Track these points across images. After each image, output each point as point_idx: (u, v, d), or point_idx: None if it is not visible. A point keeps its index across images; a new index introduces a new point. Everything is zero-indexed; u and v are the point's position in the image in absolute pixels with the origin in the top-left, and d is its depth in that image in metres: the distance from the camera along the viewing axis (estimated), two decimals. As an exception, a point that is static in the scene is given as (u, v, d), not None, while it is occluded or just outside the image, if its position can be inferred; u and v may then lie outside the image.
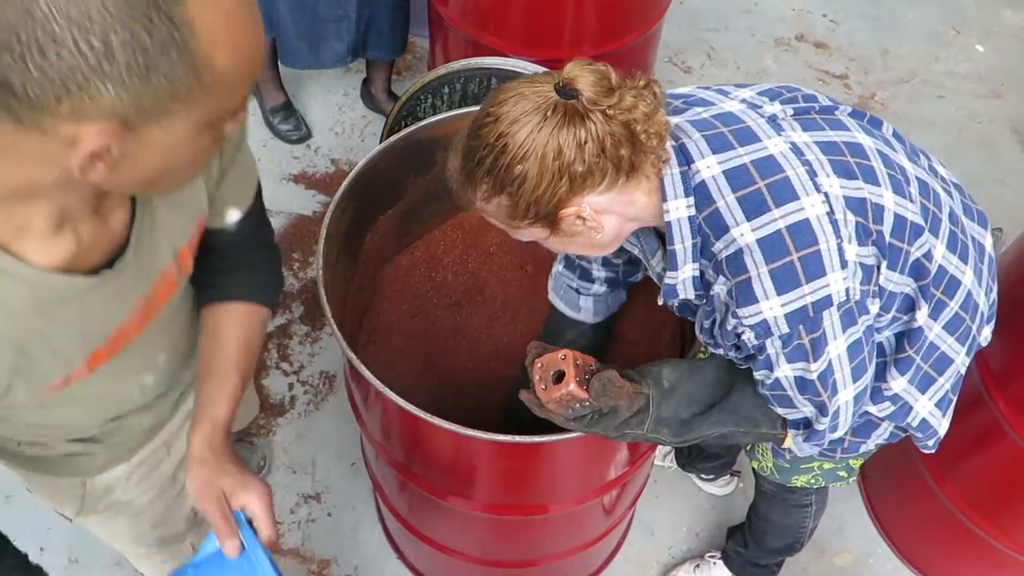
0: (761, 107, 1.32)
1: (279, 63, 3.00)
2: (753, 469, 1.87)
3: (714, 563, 2.23)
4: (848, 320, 1.22)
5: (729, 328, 1.26)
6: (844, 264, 1.19)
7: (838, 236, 1.20)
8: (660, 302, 1.37)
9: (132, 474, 1.38)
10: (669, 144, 1.24)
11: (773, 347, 1.23)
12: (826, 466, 1.74)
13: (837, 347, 1.24)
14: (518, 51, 2.26)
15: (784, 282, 1.18)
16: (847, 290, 1.20)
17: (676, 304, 1.39)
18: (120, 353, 1.11)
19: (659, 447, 2.25)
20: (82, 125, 0.76)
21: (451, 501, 1.72)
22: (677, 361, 1.41)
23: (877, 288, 1.26)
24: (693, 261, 1.27)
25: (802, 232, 1.18)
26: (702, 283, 1.30)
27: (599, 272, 1.65)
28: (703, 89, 1.39)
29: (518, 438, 1.43)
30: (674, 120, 1.29)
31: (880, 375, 1.40)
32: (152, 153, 0.83)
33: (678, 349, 1.79)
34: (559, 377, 1.32)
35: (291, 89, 3.15)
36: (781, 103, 1.34)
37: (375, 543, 2.31)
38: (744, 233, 1.20)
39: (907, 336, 1.37)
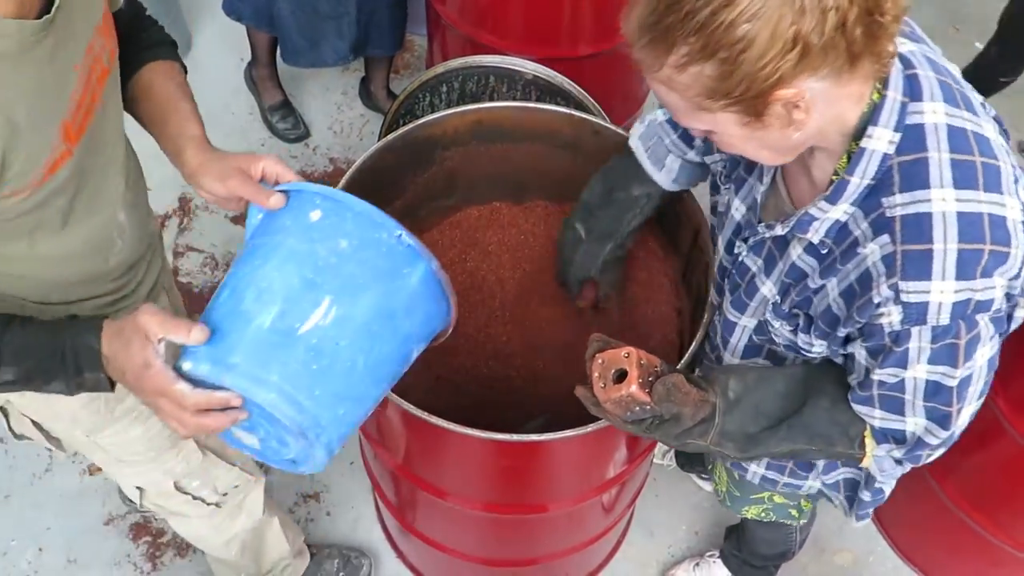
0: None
1: (278, 62, 3.00)
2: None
3: (713, 562, 2.23)
4: (997, 327, 1.13)
5: (873, 301, 1.09)
6: (1017, 275, 1.09)
7: (1020, 246, 1.09)
8: (780, 231, 1.21)
9: None
10: (899, 69, 1.09)
11: (919, 340, 1.09)
12: (777, 499, 1.70)
13: (984, 354, 1.13)
14: (516, 49, 2.25)
15: (966, 268, 1.06)
16: (1003, 299, 1.10)
17: (740, 259, 1.28)
18: (80, 146, 1.16)
19: (659, 444, 2.24)
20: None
21: (450, 500, 1.72)
22: (744, 369, 1.28)
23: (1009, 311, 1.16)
24: (852, 203, 1.12)
25: (999, 227, 1.06)
26: (838, 233, 1.15)
27: (699, 143, 1.49)
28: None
29: (516, 437, 1.42)
30: (908, 45, 1.13)
31: None
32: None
33: (675, 324, 1.78)
34: (620, 376, 1.19)
35: (289, 88, 3.15)
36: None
37: (374, 542, 2.31)
38: (946, 199, 1.05)
39: None
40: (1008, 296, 1.11)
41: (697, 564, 2.24)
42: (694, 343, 1.48)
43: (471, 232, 1.90)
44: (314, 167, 3.04)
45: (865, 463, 1.27)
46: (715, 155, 1.42)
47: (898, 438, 1.23)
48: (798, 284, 1.24)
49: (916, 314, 1.07)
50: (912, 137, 1.08)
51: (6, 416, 1.47)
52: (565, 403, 1.73)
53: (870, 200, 1.10)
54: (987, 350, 1.13)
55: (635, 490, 2.01)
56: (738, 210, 1.36)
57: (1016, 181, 1.11)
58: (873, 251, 1.10)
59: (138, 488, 1.63)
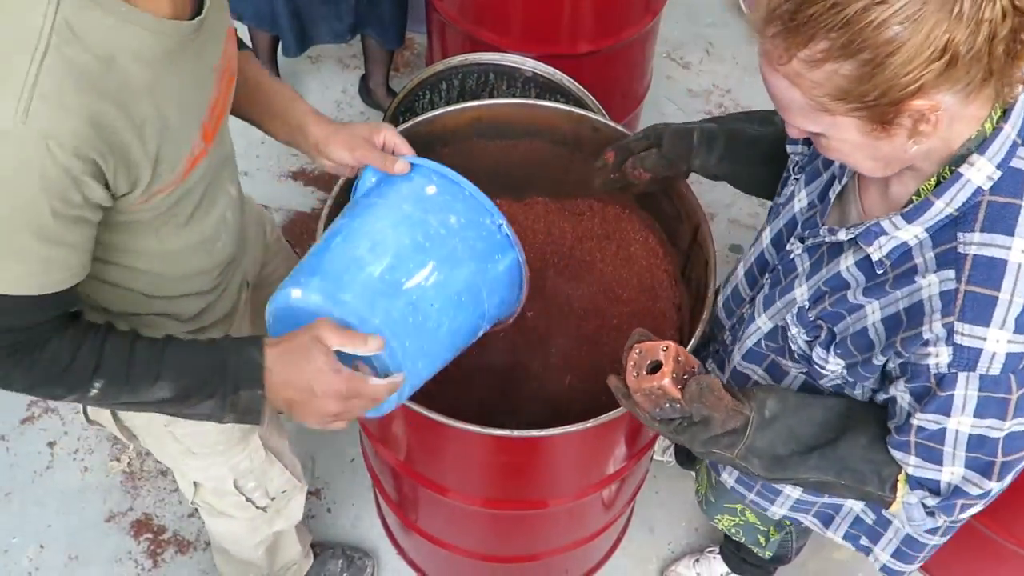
0: None
1: (280, 62, 3.01)
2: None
3: (713, 558, 2.23)
4: None
5: (923, 336, 1.04)
6: None
7: None
8: (843, 236, 1.15)
9: None
10: (1021, 111, 1.03)
11: (966, 387, 1.04)
12: (749, 517, 1.69)
13: None
14: (516, 47, 2.26)
15: None
16: None
17: (791, 257, 1.23)
18: (213, 145, 1.22)
19: (659, 440, 2.25)
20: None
21: (450, 496, 1.72)
22: (786, 391, 1.23)
23: None
24: (926, 230, 1.06)
25: None
26: (899, 257, 1.09)
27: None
28: None
29: (516, 432, 1.43)
30: None
31: None
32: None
33: (675, 320, 1.78)
34: (655, 369, 1.17)
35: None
36: None
37: (374, 538, 2.31)
38: None
39: None
40: None
41: (697, 560, 2.25)
42: (693, 339, 1.48)
43: (471, 229, 1.91)
44: (314, 165, 3.03)
45: (894, 509, 1.21)
46: (798, 145, 1.35)
47: (932, 488, 1.17)
48: (834, 295, 1.19)
49: (967, 359, 1.02)
50: (1012, 180, 1.03)
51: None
52: (564, 399, 1.74)
53: (945, 231, 1.05)
54: None
55: (635, 486, 2.01)
56: (800, 202, 1.29)
57: None
58: (932, 283, 1.04)
59: (195, 484, 1.65)
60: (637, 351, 1.19)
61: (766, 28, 0.98)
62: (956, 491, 1.15)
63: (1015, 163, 1.03)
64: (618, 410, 1.42)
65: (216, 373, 1.17)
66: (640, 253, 1.84)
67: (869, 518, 1.50)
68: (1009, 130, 1.03)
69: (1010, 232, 1.01)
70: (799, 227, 1.29)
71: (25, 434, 2.44)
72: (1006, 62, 0.95)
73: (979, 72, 0.95)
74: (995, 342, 1.01)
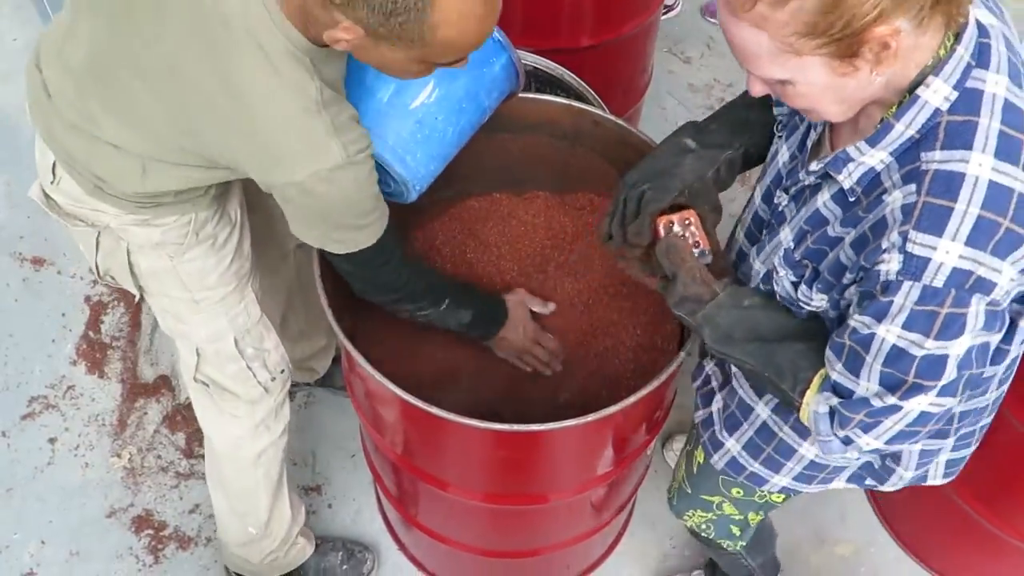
0: None
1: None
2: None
3: None
4: (989, 321, 1.09)
5: (877, 250, 1.08)
6: None
7: None
8: (814, 167, 1.21)
9: (214, 214, 1.61)
10: (973, 35, 1.08)
11: (906, 296, 1.07)
12: (726, 508, 1.69)
13: (962, 343, 1.09)
14: (516, 41, 2.23)
15: (980, 236, 1.03)
16: (1006, 292, 1.07)
17: (780, 208, 1.29)
18: None
19: (657, 439, 2.24)
20: (347, 18, 1.17)
21: (451, 491, 1.72)
22: (771, 298, 1.31)
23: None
24: (890, 153, 1.11)
25: None
26: (869, 183, 1.14)
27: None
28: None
29: (516, 427, 1.43)
30: (991, 20, 1.12)
31: None
32: (372, 57, 1.25)
33: (677, 342, 1.78)
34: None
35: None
36: None
37: (375, 533, 2.31)
38: (983, 164, 1.04)
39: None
40: (1015, 295, 1.09)
41: None
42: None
43: (471, 224, 1.90)
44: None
45: (803, 415, 1.26)
46: (783, 106, 1.39)
47: (845, 395, 1.20)
48: (815, 232, 1.23)
49: (914, 268, 1.05)
50: (968, 99, 1.07)
51: (98, 245, 1.63)
52: (564, 393, 1.74)
53: (909, 153, 1.09)
54: (966, 340, 1.09)
55: (636, 481, 2.01)
56: (782, 156, 1.34)
57: None
58: (896, 199, 1.08)
59: (197, 353, 1.75)
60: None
61: None
62: (861, 401, 1.18)
63: (970, 83, 1.07)
64: (618, 405, 1.42)
65: (494, 318, 1.70)
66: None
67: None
68: (962, 52, 1.07)
69: (968, 146, 1.05)
70: (784, 179, 1.34)
71: (26, 430, 2.43)
72: None
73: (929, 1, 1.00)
74: (945, 252, 1.04)
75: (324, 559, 2.18)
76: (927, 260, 1.04)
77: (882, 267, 1.08)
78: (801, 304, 1.27)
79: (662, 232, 1.35)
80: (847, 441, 1.21)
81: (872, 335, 1.11)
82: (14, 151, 2.87)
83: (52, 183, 1.56)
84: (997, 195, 1.04)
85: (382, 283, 1.53)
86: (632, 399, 1.44)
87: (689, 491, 1.74)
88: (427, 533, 1.96)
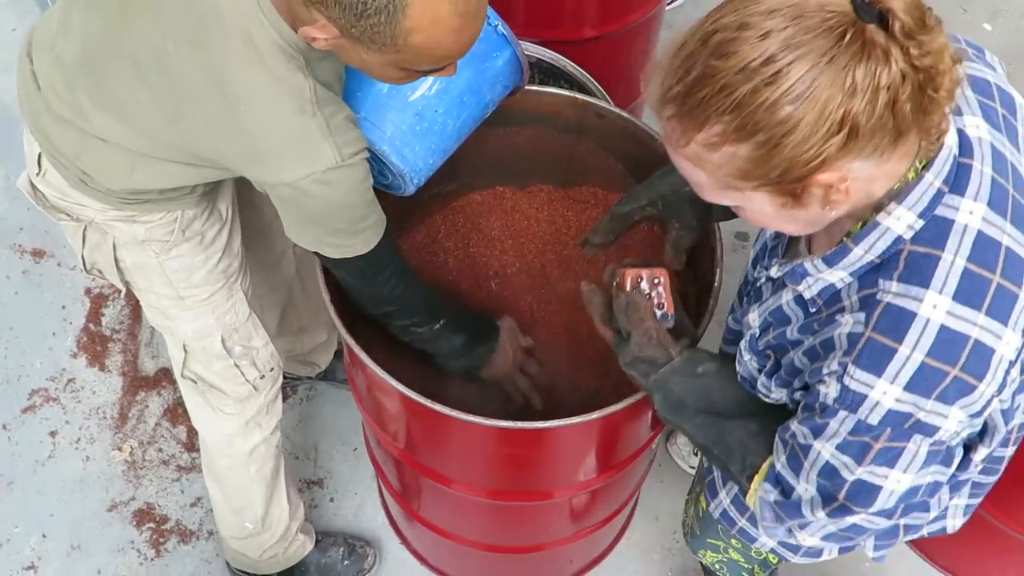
0: None
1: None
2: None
3: None
4: (929, 460, 1.04)
5: (821, 369, 1.05)
6: (978, 414, 1.02)
7: (1000, 386, 1.01)
8: (774, 273, 1.16)
9: (203, 211, 1.59)
10: (952, 154, 0.99)
11: (840, 423, 1.04)
12: (732, 554, 1.67)
13: (899, 480, 1.05)
14: (518, 32, 2.19)
15: (922, 383, 0.98)
16: (955, 432, 1.02)
17: (759, 284, 1.23)
18: None
19: (660, 435, 2.23)
20: (322, 16, 1.14)
21: (454, 487, 1.71)
22: (729, 363, 1.24)
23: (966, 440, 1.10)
24: (851, 274, 1.05)
25: (981, 358, 0.98)
26: (830, 297, 1.08)
27: None
28: (1021, 114, 1.10)
29: (520, 424, 1.42)
30: (982, 129, 1.03)
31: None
32: (352, 58, 1.22)
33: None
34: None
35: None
36: None
37: (377, 528, 2.30)
38: (938, 306, 0.97)
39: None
40: (981, 430, 1.06)
41: None
42: (699, 330, 1.46)
43: (474, 218, 1.89)
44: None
45: (749, 499, 1.22)
46: None
47: (787, 491, 1.16)
48: (778, 327, 1.17)
49: (851, 402, 1.01)
50: (935, 230, 0.99)
51: (84, 239, 1.61)
52: (567, 388, 1.73)
53: (869, 276, 1.03)
54: (905, 477, 1.04)
55: (640, 477, 2.00)
56: (767, 230, 1.29)
57: None
58: (847, 323, 1.03)
59: (184, 348, 1.74)
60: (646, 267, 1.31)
61: (662, 110, 0.96)
62: (798, 505, 1.14)
63: (940, 211, 0.99)
64: (623, 402, 1.41)
65: (484, 348, 1.66)
66: (646, 241, 1.82)
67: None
68: (931, 178, 0.99)
69: (925, 284, 0.98)
70: (767, 255, 1.29)
71: (26, 423, 2.43)
72: (917, 118, 0.93)
73: (886, 136, 0.92)
74: (882, 393, 0.99)
75: (325, 555, 2.17)
76: (864, 396, 1.00)
77: (822, 389, 1.04)
78: (761, 394, 1.22)
79: (628, 285, 1.29)
80: (788, 533, 1.20)
81: (810, 446, 1.08)
82: (14, 143, 2.82)
83: (38, 174, 1.55)
84: (948, 341, 0.97)
85: (375, 294, 1.51)
86: (637, 396, 1.42)
87: (698, 532, 1.74)
88: (429, 528, 1.95)
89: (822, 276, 1.07)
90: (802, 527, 1.17)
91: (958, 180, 1.00)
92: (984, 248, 0.98)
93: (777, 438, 1.17)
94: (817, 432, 1.06)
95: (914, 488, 1.08)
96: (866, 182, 0.97)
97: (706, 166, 0.97)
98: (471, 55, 1.34)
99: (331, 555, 2.18)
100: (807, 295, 1.10)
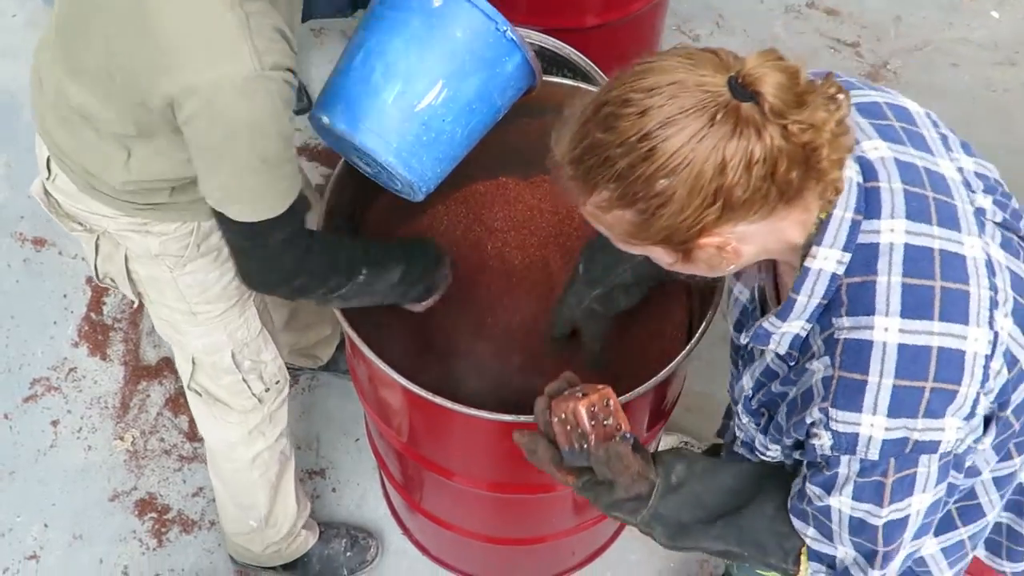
0: (975, 192, 1.09)
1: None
2: None
3: None
4: (943, 474, 1.05)
5: (806, 420, 1.05)
6: (971, 416, 1.01)
7: (983, 385, 1.01)
8: (743, 341, 1.18)
9: None
10: (855, 183, 1.02)
11: (848, 467, 1.04)
12: None
13: (921, 501, 1.05)
14: (521, 20, 2.18)
15: (901, 405, 0.99)
16: (959, 440, 1.02)
17: (749, 347, 1.20)
18: None
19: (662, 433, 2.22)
20: None
21: (456, 480, 1.71)
22: (694, 458, 1.19)
23: (973, 448, 1.08)
24: (807, 320, 1.06)
25: (951, 364, 0.99)
26: (801, 346, 1.09)
27: None
28: (927, 119, 1.13)
29: (523, 417, 1.41)
30: (881, 149, 1.05)
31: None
32: None
33: (685, 304, 1.75)
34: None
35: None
36: (994, 201, 1.11)
37: (379, 519, 2.30)
38: (889, 328, 0.98)
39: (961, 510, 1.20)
40: (985, 424, 1.05)
41: None
42: (704, 323, 1.45)
43: (477, 208, 1.88)
44: (318, 140, 3.00)
45: None
46: None
47: (829, 563, 1.15)
48: (769, 383, 1.18)
49: (845, 444, 1.02)
50: (863, 258, 1.01)
51: (97, 249, 1.59)
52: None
53: (824, 318, 1.04)
54: (927, 497, 1.05)
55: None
56: (742, 293, 1.29)
57: (994, 306, 1.01)
58: (818, 369, 1.04)
59: (193, 361, 1.71)
60: (577, 386, 1.16)
61: (562, 170, 1.02)
62: (848, 572, 1.13)
63: (863, 239, 1.01)
64: (627, 395, 1.40)
65: (429, 259, 1.57)
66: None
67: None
68: (841, 213, 1.01)
69: (870, 311, 1.00)
70: (747, 322, 1.27)
71: (28, 412, 2.42)
72: (806, 184, 0.96)
73: (769, 201, 0.95)
74: (869, 426, 1.00)
75: (328, 546, 2.17)
76: (855, 435, 1.00)
77: (816, 442, 1.04)
78: (758, 453, 1.21)
79: (586, 421, 1.11)
80: None
81: (828, 506, 1.08)
82: (14, 130, 2.84)
83: (48, 179, 1.53)
84: (911, 359, 0.98)
85: (282, 266, 1.37)
86: (640, 390, 1.41)
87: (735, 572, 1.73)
88: (431, 519, 1.95)
89: (782, 330, 1.08)
90: None
91: (870, 205, 1.02)
92: (916, 259, 1.00)
93: (794, 519, 1.15)
94: (829, 486, 1.06)
95: (935, 503, 1.07)
96: (766, 235, 1.01)
97: (602, 224, 1.04)
98: (481, 62, 1.34)
99: (333, 547, 2.18)
100: (780, 351, 1.11)
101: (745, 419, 1.23)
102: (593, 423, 1.11)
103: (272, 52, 1.17)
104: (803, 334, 1.07)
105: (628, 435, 1.14)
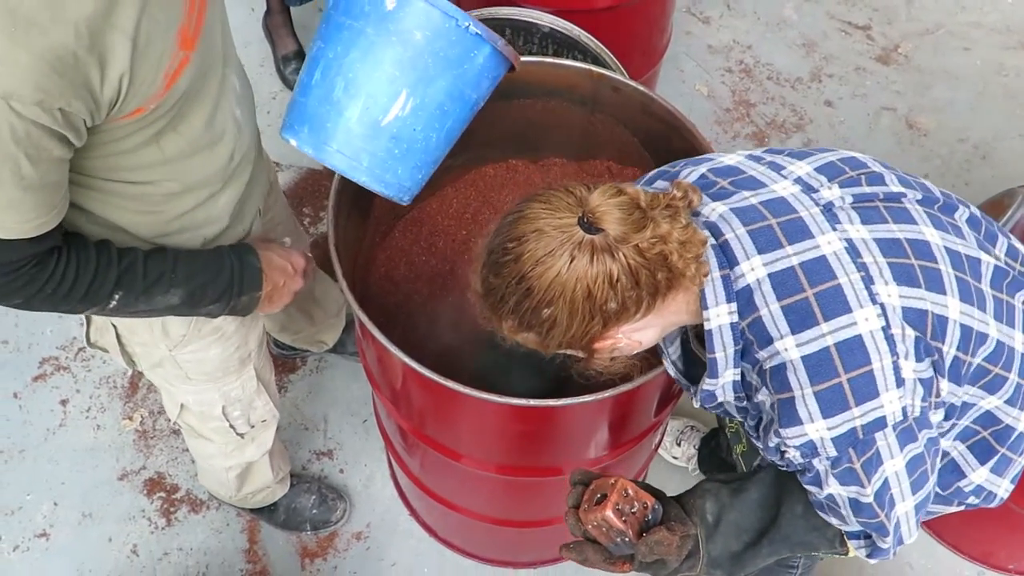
0: (818, 191, 1.20)
1: (290, 6, 2.95)
2: None
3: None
4: (907, 437, 1.12)
5: (772, 444, 1.18)
6: (901, 383, 1.09)
7: (893, 353, 1.09)
8: (696, 405, 1.29)
9: None
10: (710, 244, 1.16)
11: (821, 465, 1.15)
12: None
13: (894, 465, 1.13)
14: (533, 2, 2.20)
15: (831, 405, 1.09)
16: (904, 409, 1.10)
17: (713, 408, 1.28)
18: (197, 49, 1.18)
19: (667, 435, 2.23)
20: None
21: (464, 462, 1.71)
22: (717, 488, 1.27)
23: (940, 400, 1.16)
24: (735, 367, 1.18)
25: (852, 350, 1.09)
26: (743, 385, 1.21)
27: None
28: (753, 162, 1.26)
29: (532, 402, 1.41)
30: (718, 209, 1.19)
31: (954, 474, 1.30)
32: None
33: None
34: (600, 502, 1.20)
35: (303, 37, 3.09)
36: (841, 187, 1.21)
37: (387, 500, 2.31)
38: (788, 348, 1.10)
39: (995, 434, 1.26)
40: (923, 382, 1.11)
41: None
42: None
43: (486, 191, 1.87)
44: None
45: (853, 555, 1.29)
46: None
47: (864, 535, 1.25)
48: (746, 417, 1.29)
49: (807, 450, 1.13)
50: (744, 300, 1.14)
51: (88, 323, 1.55)
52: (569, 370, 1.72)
53: (749, 356, 1.16)
54: (898, 460, 1.13)
55: (650, 451, 2.00)
56: (670, 369, 1.42)
57: (869, 283, 1.11)
58: (764, 400, 1.16)
59: (182, 405, 1.71)
60: (592, 486, 1.23)
61: (478, 305, 1.19)
62: (874, 546, 1.24)
63: (737, 285, 1.14)
64: (635, 381, 1.40)
65: (223, 277, 1.36)
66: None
67: None
68: (710, 275, 1.15)
69: (770, 340, 1.12)
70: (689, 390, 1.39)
71: (37, 392, 2.43)
72: (674, 280, 1.11)
73: (644, 302, 1.11)
74: (815, 431, 1.10)
75: (296, 499, 2.20)
76: (810, 442, 1.12)
77: (788, 455, 1.16)
78: (761, 448, 1.29)
79: (618, 522, 1.17)
80: (899, 543, 1.24)
81: (829, 495, 1.18)
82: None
83: None
84: (816, 364, 1.09)
85: (4, 287, 1.17)
86: (649, 375, 1.41)
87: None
88: (438, 501, 1.96)
89: (720, 382, 1.20)
90: (898, 544, 1.23)
91: (728, 256, 1.15)
92: (782, 282, 1.12)
93: (817, 511, 1.25)
94: (817, 482, 1.17)
95: (915, 458, 1.15)
96: (658, 318, 1.16)
97: (519, 340, 1.20)
98: (446, 62, 1.27)
99: (301, 501, 2.21)
100: (729, 399, 1.23)
101: (752, 436, 1.32)
102: (624, 519, 1.19)
103: (8, 77, 0.97)
104: (739, 377, 1.19)
105: (657, 506, 1.22)
